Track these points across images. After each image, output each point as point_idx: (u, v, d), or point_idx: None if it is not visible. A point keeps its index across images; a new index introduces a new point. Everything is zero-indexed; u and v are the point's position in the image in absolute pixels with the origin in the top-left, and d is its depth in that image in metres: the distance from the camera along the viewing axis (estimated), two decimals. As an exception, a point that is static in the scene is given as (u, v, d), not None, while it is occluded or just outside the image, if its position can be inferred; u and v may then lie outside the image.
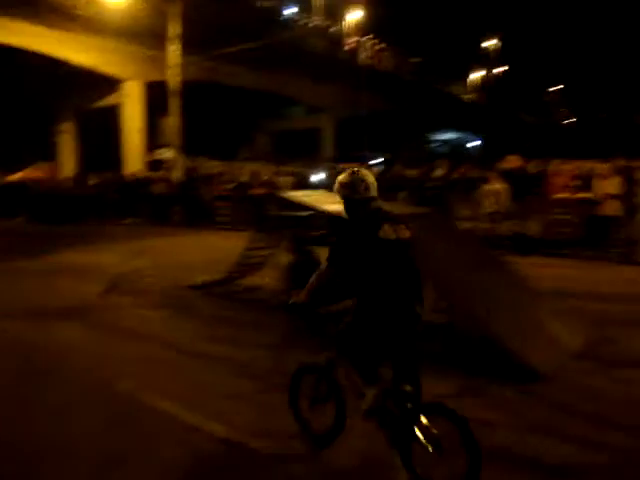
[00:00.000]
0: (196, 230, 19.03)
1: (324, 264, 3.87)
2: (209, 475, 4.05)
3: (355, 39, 41.57)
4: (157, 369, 6.05)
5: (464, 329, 6.69)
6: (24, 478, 4.06)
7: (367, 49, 42.59)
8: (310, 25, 37.03)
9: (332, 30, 39.83)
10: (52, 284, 10.70)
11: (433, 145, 59.65)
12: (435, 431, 3.52)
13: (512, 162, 16.70)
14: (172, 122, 24.70)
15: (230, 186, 20.22)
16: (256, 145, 42.17)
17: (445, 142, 61.96)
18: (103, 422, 4.82)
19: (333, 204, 8.16)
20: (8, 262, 13.10)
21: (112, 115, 31.72)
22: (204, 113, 37.22)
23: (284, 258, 8.21)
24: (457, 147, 59.25)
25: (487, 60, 61.18)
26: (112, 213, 22.88)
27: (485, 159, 24.50)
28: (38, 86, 34.00)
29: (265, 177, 19.94)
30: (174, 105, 24.11)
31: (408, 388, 3.75)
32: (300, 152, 32.87)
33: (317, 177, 18.77)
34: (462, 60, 54.89)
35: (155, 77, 28.01)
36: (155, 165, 30.11)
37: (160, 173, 25.75)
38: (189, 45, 24.73)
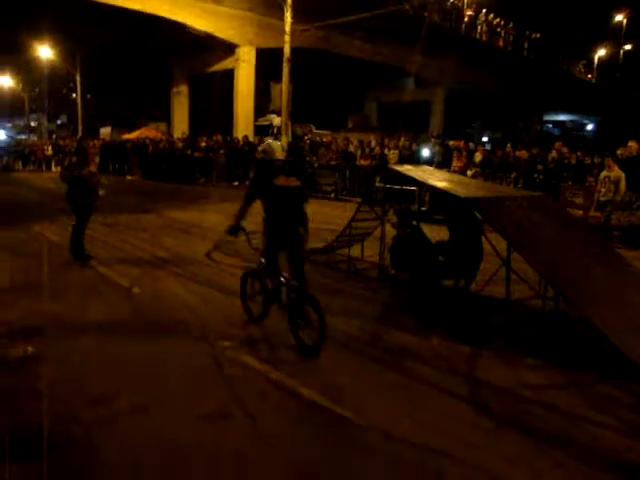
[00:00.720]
0: (301, 197, 19.22)
1: (245, 197, 5.98)
2: (301, 439, 4.12)
3: (472, 12, 40.21)
4: (256, 330, 6.22)
5: (571, 319, 6.47)
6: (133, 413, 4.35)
7: (484, 23, 41.11)
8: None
9: (450, 2, 38.64)
10: (162, 239, 11.24)
11: (546, 126, 57.09)
12: (310, 313, 5.45)
13: (633, 148, 15.70)
14: (283, 89, 24.94)
15: (336, 155, 20.23)
16: (364, 115, 41.91)
17: (559, 124, 59.18)
18: (205, 377, 5.04)
19: (441, 180, 8.08)
20: (122, 215, 13.85)
21: (224, 80, 32.39)
22: (314, 81, 37.36)
23: (389, 232, 8.19)
24: (572, 129, 56.46)
25: (614, 37, 57.40)
26: (220, 175, 23.51)
27: (603, 143, 23.19)
28: (158, 50, 35.30)
29: (373, 148, 19.77)
30: (286, 72, 24.32)
31: (294, 283, 5.74)
32: (408, 125, 32.37)
33: (425, 152, 18.41)
34: (585, 37, 51.78)
35: (268, 44, 28.31)
36: (263, 130, 30.64)
37: (268, 139, 26.16)
38: (303, 13, 24.78)
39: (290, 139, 24.10)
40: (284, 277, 5.85)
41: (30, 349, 5.43)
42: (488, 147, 23.18)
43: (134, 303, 7.16)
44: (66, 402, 4.45)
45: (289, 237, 5.81)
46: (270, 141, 6.37)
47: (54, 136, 47.75)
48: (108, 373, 5.06)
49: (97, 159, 9.51)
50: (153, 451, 3.91)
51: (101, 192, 9.15)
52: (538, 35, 45.12)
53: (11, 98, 56.48)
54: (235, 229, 5.95)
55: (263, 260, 5.98)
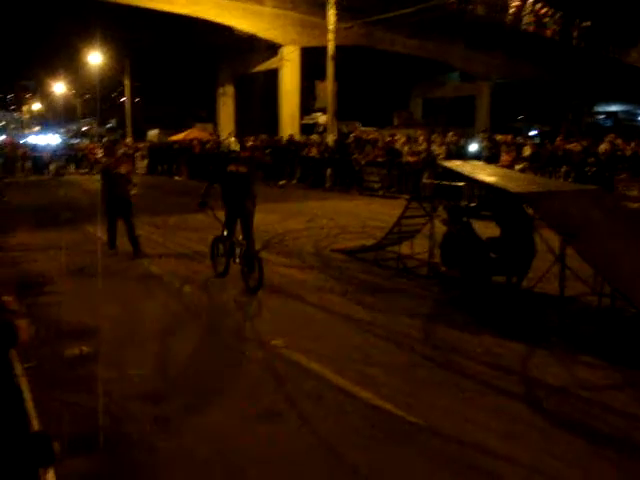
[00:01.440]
0: (347, 195, 19.22)
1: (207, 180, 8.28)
2: (353, 437, 4.09)
3: (519, 2, 39.37)
4: (308, 329, 6.25)
5: (628, 316, 6.29)
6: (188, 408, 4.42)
7: (531, 14, 40.19)
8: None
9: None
10: (209, 239, 11.31)
11: (597, 118, 55.47)
12: (255, 265, 7.43)
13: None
14: (328, 87, 24.94)
15: (382, 152, 20.12)
16: (410, 112, 41.55)
17: (611, 115, 57.46)
18: (257, 377, 5.07)
19: (490, 175, 7.96)
20: (171, 216, 14.07)
21: (268, 79, 32.59)
22: (358, 78, 37.22)
23: (438, 229, 8.11)
24: (625, 120, 54.74)
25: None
26: (267, 174, 23.64)
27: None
28: (203, 52, 35.72)
29: (419, 144, 19.58)
30: (330, 70, 24.31)
31: (244, 242, 7.73)
32: (454, 120, 31.94)
33: (472, 147, 18.16)
34: (639, 23, 49.96)
35: (311, 42, 28.31)
36: (309, 129, 30.69)
37: (314, 137, 26.20)
38: (346, 10, 24.73)
39: (336, 137, 24.10)
40: (237, 239, 7.88)
41: (85, 349, 5.56)
42: (536, 141, 22.70)
43: (185, 302, 7.28)
44: (121, 401, 4.55)
45: (240, 209, 7.84)
46: (230, 139, 9.02)
47: (104, 139, 48.84)
48: (162, 372, 5.16)
49: (128, 166, 10.62)
50: (206, 450, 3.96)
51: (133, 191, 10.00)
52: (588, 23, 43.84)
53: (64, 104, 58.16)
54: (203, 204, 8.00)
55: (225, 229, 8.00)
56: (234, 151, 8.43)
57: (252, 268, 7.47)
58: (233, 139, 9.60)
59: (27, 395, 1.90)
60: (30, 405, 1.86)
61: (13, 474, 1.49)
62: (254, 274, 7.41)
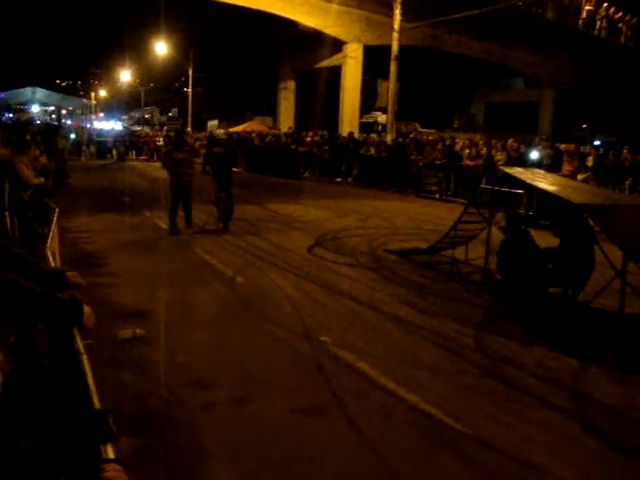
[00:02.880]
0: (403, 196, 19.03)
1: (204, 158, 13.33)
2: (397, 441, 4.07)
3: (592, 7, 38.23)
4: (357, 328, 6.23)
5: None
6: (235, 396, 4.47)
7: (604, 19, 38.96)
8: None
9: (567, -3, 36.99)
10: (265, 231, 11.43)
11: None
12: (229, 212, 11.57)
13: None
14: (390, 87, 24.81)
15: (442, 155, 19.84)
16: (471, 115, 40.99)
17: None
18: (304, 371, 5.09)
19: (552, 184, 7.78)
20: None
21: (330, 76, 32.63)
22: (419, 78, 36.90)
23: (495, 235, 7.98)
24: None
25: None
26: (324, 170, 23.66)
27: None
28: (266, 46, 36.04)
29: (480, 149, 19.21)
30: (393, 70, 24.17)
31: (224, 198, 11.46)
32: (516, 126, 31.34)
33: (534, 154, 17.73)
34: None
35: (375, 41, 28.21)
36: (367, 127, 30.60)
37: (373, 136, 26.11)
38: (411, 10, 24.54)
39: (394, 137, 23.95)
40: (222, 196, 11.38)
41: (139, 331, 5.67)
42: (600, 151, 22.03)
43: (238, 292, 7.37)
44: (170, 385, 4.64)
45: (221, 178, 11.41)
46: (215, 130, 15.50)
47: (165, 128, 49.83)
48: (211, 359, 5.24)
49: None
50: (249, 441, 4.00)
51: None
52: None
53: (128, 92, 59.64)
54: (204, 172, 12.18)
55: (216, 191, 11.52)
56: (220, 138, 12.92)
57: (227, 215, 11.36)
58: (222, 131, 13.33)
59: (89, 373, 1.96)
60: (92, 382, 1.92)
61: (77, 450, 1.54)
62: (227, 218, 11.37)
